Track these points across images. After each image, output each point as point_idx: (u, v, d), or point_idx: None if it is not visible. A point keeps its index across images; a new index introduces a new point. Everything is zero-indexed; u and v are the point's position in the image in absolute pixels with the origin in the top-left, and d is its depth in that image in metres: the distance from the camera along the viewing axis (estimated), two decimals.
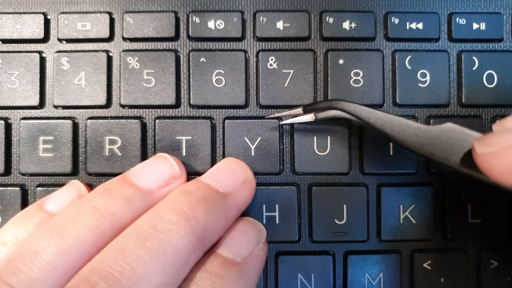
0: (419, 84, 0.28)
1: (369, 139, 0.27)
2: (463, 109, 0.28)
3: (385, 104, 0.28)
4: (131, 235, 0.21)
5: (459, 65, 0.28)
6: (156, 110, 0.28)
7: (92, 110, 0.28)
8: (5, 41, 0.28)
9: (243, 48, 0.28)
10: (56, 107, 0.28)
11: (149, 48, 0.28)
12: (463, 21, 0.28)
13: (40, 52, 0.28)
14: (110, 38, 0.28)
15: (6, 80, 0.28)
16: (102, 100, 0.27)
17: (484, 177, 0.20)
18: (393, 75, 0.28)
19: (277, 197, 0.27)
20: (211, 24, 0.28)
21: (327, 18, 0.28)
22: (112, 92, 0.28)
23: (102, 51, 0.28)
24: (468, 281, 0.27)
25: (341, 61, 0.28)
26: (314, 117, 0.25)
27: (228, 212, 0.24)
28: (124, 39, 0.28)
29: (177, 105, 0.28)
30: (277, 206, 0.27)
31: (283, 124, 0.27)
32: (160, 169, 0.25)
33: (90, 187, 0.27)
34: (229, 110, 0.28)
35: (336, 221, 0.27)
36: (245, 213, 0.26)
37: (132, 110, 0.28)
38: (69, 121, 0.27)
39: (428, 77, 0.28)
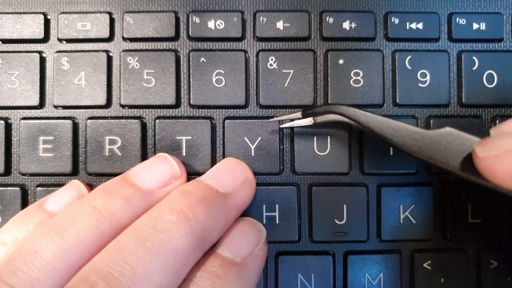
0: (419, 84, 0.28)
1: (369, 139, 0.27)
2: (463, 109, 0.28)
3: (385, 104, 0.28)
4: (131, 235, 0.21)
5: (459, 65, 0.28)
6: (156, 110, 0.28)
7: (92, 110, 0.28)
8: (5, 41, 0.28)
9: (243, 48, 0.28)
10: (56, 107, 0.28)
11: (149, 48, 0.28)
12: (463, 21, 0.28)
13: (40, 52, 0.28)
14: (110, 38, 0.28)
15: (6, 80, 0.28)
16: (102, 100, 0.27)
17: (483, 181, 0.20)
18: (393, 75, 0.28)
19: (277, 197, 0.27)
20: (211, 24, 0.28)
21: (327, 18, 0.28)
22: (112, 92, 0.28)
23: (102, 51, 0.28)
24: (468, 281, 0.27)
25: (341, 61, 0.28)
26: (313, 121, 0.25)
27: (228, 212, 0.24)
28: (124, 39, 0.28)
29: (177, 105, 0.28)
30: (277, 206, 0.27)
31: (283, 127, 0.27)
32: (160, 169, 0.25)
33: (90, 187, 0.27)
34: (229, 110, 0.28)
35: (336, 221, 0.27)
36: (245, 213, 0.26)
37: (132, 110, 0.28)
38: (69, 121, 0.27)
39: (428, 77, 0.28)
